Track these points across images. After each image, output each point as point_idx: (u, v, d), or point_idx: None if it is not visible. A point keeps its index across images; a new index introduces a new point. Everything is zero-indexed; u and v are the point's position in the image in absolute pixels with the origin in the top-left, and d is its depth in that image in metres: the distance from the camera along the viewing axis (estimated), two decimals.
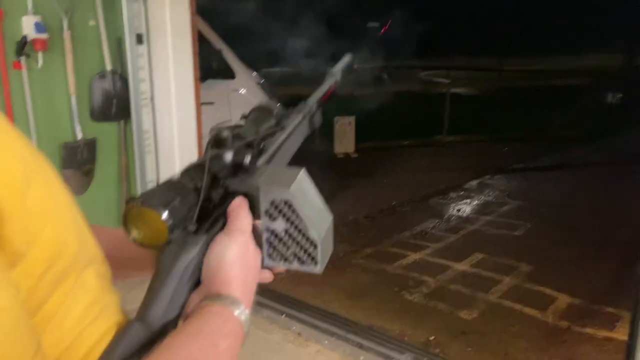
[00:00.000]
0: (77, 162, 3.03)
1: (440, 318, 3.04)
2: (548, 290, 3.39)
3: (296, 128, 0.75)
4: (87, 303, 0.48)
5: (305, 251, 0.57)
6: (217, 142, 0.60)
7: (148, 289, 0.51)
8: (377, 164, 7.31)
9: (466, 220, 5.03)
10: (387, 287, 3.47)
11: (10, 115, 2.75)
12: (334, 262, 3.86)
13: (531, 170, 7.27)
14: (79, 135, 3.03)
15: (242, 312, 0.51)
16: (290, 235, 0.57)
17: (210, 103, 4.78)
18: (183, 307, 0.51)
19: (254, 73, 5.56)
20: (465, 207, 5.45)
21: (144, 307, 0.50)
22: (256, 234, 0.58)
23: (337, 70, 0.81)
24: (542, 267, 3.78)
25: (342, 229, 4.62)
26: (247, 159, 0.60)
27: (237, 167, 0.60)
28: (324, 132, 8.06)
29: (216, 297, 0.51)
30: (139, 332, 0.47)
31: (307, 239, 0.57)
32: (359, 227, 4.75)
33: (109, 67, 3.10)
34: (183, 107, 3.22)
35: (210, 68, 4.82)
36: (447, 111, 9.24)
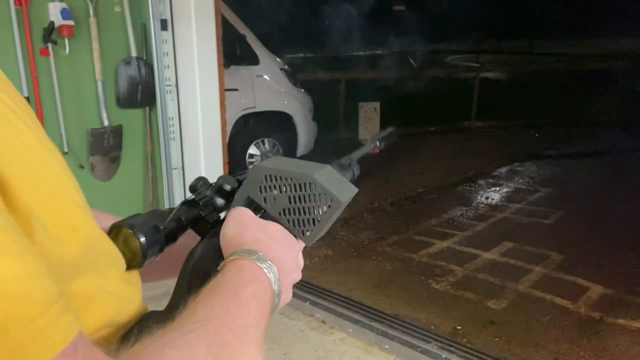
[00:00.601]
0: (104, 149, 3.06)
1: (468, 307, 2.98)
2: (580, 280, 3.30)
3: None
4: (106, 301, 0.48)
5: (316, 196, 0.55)
6: (192, 189, 0.62)
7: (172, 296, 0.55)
8: (403, 151, 7.21)
9: (495, 208, 4.92)
10: (413, 275, 3.42)
11: (39, 102, 2.79)
12: (359, 250, 3.84)
13: (563, 156, 7.07)
14: (105, 122, 3.06)
15: (258, 258, 0.50)
16: (296, 199, 0.56)
17: (235, 89, 4.78)
18: None
19: (278, 59, 5.52)
20: (494, 195, 5.34)
21: (166, 308, 0.53)
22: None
23: (379, 137, 0.87)
24: (573, 256, 3.67)
25: (367, 217, 4.57)
26: (228, 187, 0.61)
27: (223, 196, 0.62)
28: (348, 118, 7.99)
29: (227, 257, 0.51)
30: (157, 319, 0.49)
31: (306, 184, 0.55)
32: (384, 215, 4.70)
33: (134, 53, 3.10)
34: (207, 94, 3.20)
35: (234, 54, 4.81)
36: (475, 96, 9.05)
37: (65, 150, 2.89)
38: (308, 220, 0.56)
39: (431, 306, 2.98)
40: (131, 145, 3.24)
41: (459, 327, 2.76)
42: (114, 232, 0.52)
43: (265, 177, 0.56)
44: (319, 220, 0.56)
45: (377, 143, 0.85)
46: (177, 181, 3.30)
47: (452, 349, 2.47)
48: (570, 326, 2.78)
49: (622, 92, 10.79)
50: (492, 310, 2.94)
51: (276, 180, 0.55)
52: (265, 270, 0.49)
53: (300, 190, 0.55)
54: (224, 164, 3.41)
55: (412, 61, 14.66)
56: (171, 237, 0.55)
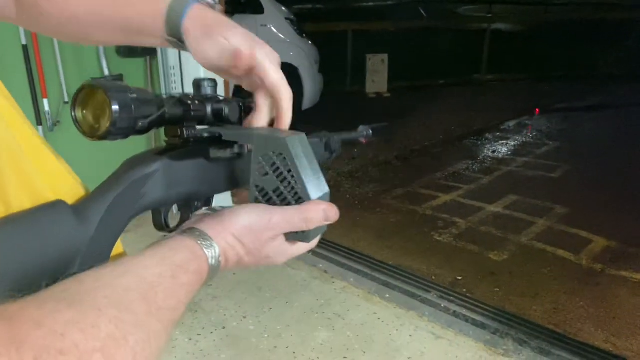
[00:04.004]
0: None
1: (469, 259, 3.00)
2: (583, 233, 3.29)
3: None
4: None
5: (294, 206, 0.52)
6: (196, 87, 0.57)
7: (96, 188, 0.48)
8: (411, 104, 7.11)
9: (501, 161, 4.88)
10: (416, 227, 3.43)
11: (37, 51, 2.74)
12: (363, 203, 3.84)
13: (573, 110, 6.95)
14: (106, 71, 3.02)
15: (216, 260, 0.47)
16: (280, 196, 0.52)
17: None
18: (124, 221, 0.48)
19: (283, 8, 5.37)
20: (501, 148, 5.29)
21: (85, 198, 0.47)
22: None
23: (372, 128, 0.85)
24: (578, 209, 3.66)
25: (372, 170, 4.56)
26: (227, 110, 0.56)
27: (217, 117, 0.57)
28: (355, 70, 7.85)
29: (199, 233, 0.47)
30: (69, 215, 0.43)
31: (300, 200, 0.51)
32: (389, 168, 4.68)
33: None
34: None
35: (238, 1, 4.68)
36: (487, 48, 8.83)
37: (66, 100, 2.87)
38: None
39: (433, 257, 3.01)
40: None
41: (460, 278, 2.78)
42: (84, 91, 0.46)
43: (280, 153, 0.51)
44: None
45: (369, 132, 0.83)
46: None
47: (452, 298, 2.50)
48: (570, 278, 2.80)
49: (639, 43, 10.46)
50: (493, 262, 2.96)
51: (284, 167, 0.51)
52: (211, 271, 0.47)
53: (293, 199, 0.51)
54: None
55: (422, 12, 14.23)
56: (143, 127, 0.47)
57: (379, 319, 2.35)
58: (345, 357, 2.11)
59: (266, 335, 2.23)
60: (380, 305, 2.45)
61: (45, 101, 2.82)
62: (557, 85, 8.36)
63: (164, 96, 0.51)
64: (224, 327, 2.28)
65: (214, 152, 0.55)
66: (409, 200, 3.91)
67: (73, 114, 0.46)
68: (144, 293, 0.38)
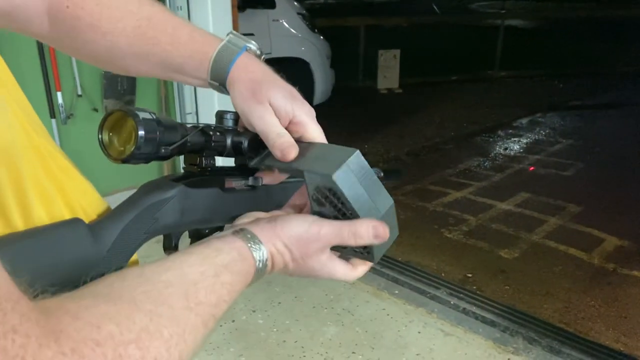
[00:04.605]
0: (117, 93, 3.05)
1: (480, 256, 2.99)
2: (596, 232, 3.26)
3: None
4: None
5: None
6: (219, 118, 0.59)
7: (113, 209, 0.50)
8: (422, 101, 7.08)
9: (513, 158, 4.84)
10: (426, 224, 3.42)
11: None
12: None
13: (587, 107, 6.87)
14: None
15: (263, 263, 0.48)
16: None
17: (250, 34, 4.68)
18: (136, 243, 0.49)
19: (295, 2, 5.36)
20: (513, 146, 5.24)
21: (102, 218, 0.48)
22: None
23: (385, 170, 0.85)
24: (591, 208, 3.62)
25: (382, 166, 4.55)
26: (246, 143, 0.57)
27: (236, 149, 0.58)
28: (367, 66, 7.82)
29: (250, 235, 0.48)
30: (85, 234, 0.45)
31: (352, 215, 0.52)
32: (400, 164, 4.66)
33: None
34: (221, 36, 3.14)
35: None
36: (500, 44, 8.74)
37: (79, 93, 2.89)
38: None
39: (443, 254, 3.00)
40: (145, 89, 3.22)
41: (470, 275, 2.77)
42: (112, 115, 0.48)
43: (330, 189, 0.50)
44: (340, 249, 0.54)
45: (380, 174, 0.85)
46: None
47: (461, 295, 2.49)
48: (582, 276, 2.78)
49: None
50: (504, 260, 2.95)
51: (337, 200, 0.51)
52: (255, 274, 0.48)
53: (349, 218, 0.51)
54: None
55: (435, 8, 14.15)
56: (165, 153, 0.49)
57: (387, 314, 2.35)
58: (353, 352, 2.11)
59: (275, 330, 2.24)
60: (389, 301, 2.45)
61: (59, 94, 2.85)
62: (571, 82, 8.26)
63: (188, 125, 0.53)
64: (233, 321, 2.29)
65: (229, 183, 0.57)
66: (418, 196, 3.89)
67: (100, 136, 0.49)
68: (185, 289, 0.39)
